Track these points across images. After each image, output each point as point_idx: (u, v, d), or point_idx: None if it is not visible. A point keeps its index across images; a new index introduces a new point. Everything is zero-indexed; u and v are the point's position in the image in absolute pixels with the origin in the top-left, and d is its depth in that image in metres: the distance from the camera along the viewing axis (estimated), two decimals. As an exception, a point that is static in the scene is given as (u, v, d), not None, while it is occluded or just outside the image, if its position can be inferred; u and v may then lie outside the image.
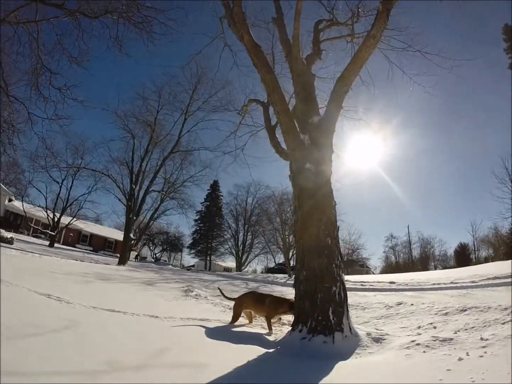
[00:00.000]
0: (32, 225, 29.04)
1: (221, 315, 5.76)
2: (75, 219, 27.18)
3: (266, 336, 4.24)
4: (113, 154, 22.41)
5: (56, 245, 24.48)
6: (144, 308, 5.29)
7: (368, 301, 7.33)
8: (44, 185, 26.11)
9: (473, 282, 10.79)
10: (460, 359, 2.77)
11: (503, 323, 3.75)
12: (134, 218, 20.17)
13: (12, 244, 15.92)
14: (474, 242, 42.59)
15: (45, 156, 22.88)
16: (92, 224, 33.97)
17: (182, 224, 67.56)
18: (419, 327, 4.27)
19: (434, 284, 11.49)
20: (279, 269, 28.14)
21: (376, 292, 10.01)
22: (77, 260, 15.55)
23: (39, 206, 26.14)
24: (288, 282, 14.67)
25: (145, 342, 3.41)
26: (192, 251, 45.75)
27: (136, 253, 37.26)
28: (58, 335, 3.07)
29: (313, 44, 6.70)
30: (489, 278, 11.37)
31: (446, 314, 4.97)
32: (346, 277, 18.21)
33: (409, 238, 45.86)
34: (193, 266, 43.62)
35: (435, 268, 41.88)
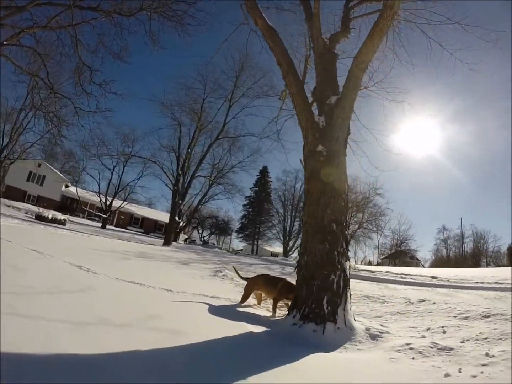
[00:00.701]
0: (87, 209, 32.07)
1: (238, 295, 5.90)
2: (126, 202, 29.35)
3: (268, 319, 4.24)
4: (162, 141, 23.83)
5: (108, 227, 26.67)
6: (164, 283, 5.60)
7: (393, 294, 6.94)
8: (97, 172, 28.56)
9: None
10: (447, 375, 2.50)
11: None
12: (180, 202, 21.30)
13: (65, 225, 17.76)
14: None
15: (97, 146, 25.17)
16: (144, 207, 36.62)
17: (232, 209, 69.85)
18: (428, 329, 3.98)
19: (477, 282, 10.56)
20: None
21: (409, 286, 9.41)
22: (123, 240, 16.74)
23: (93, 191, 28.47)
24: None
25: (142, 308, 3.69)
26: (240, 235, 47.29)
27: (186, 236, 39.55)
28: (71, 295, 3.58)
29: (341, 23, 6.30)
30: None
31: (465, 318, 4.55)
32: (390, 268, 17.39)
33: (462, 231, 43.18)
34: (241, 250, 44.91)
35: (487, 265, 39.06)
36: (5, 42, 10.31)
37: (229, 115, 21.93)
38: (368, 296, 6.56)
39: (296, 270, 4.12)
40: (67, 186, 34.78)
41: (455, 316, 4.69)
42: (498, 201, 59.64)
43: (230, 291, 6.25)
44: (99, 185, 28.51)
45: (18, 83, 14.72)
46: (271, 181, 46.03)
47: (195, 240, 41.88)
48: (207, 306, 4.42)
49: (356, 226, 25.21)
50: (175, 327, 3.12)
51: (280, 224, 42.41)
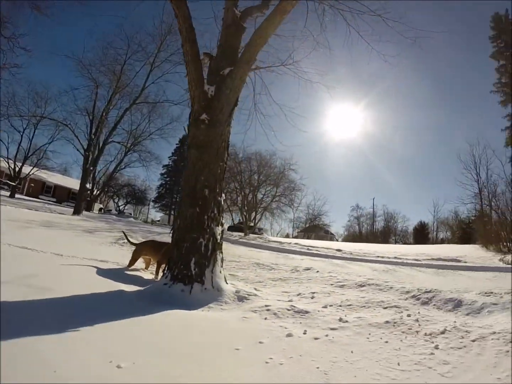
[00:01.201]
0: None
1: (128, 260, 5.90)
2: (36, 169, 26.26)
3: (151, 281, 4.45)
4: (78, 103, 21.23)
5: (18, 196, 23.75)
6: (59, 249, 5.47)
7: (286, 263, 7.63)
8: (5, 134, 24.79)
9: (416, 260, 11.29)
10: (289, 335, 2.66)
11: (385, 308, 3.76)
12: (92, 168, 19.64)
13: None
14: (434, 222, 45.02)
15: (7, 105, 21.36)
16: (56, 174, 32.94)
17: (151, 178, 67.04)
18: (298, 294, 4.36)
19: (377, 256, 11.98)
20: (239, 227, 28.85)
21: (308, 256, 10.49)
22: (31, 209, 15.20)
23: (0, 155, 24.92)
24: (239, 240, 15.11)
25: (22, 269, 3.82)
26: (157, 205, 45.92)
27: (101, 206, 36.93)
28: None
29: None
30: (432, 259, 11.97)
31: (341, 286, 5.05)
32: (300, 241, 18.78)
33: (374, 210, 48.24)
34: (158, 220, 43.81)
35: (396, 242, 44.06)
36: None
37: (149, 80, 20.36)
38: (259, 264, 7.06)
39: (171, 233, 4.28)
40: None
41: (332, 284, 5.21)
42: (409, 186, 68.63)
43: (123, 256, 6.17)
44: (7, 149, 25.02)
45: None
46: None
47: (110, 210, 39.37)
48: (92, 269, 4.45)
49: (269, 199, 26.59)
50: (45, 284, 3.28)
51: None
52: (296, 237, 40.88)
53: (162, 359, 2.05)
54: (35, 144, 26.40)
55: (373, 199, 55.74)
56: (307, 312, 3.30)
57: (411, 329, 2.98)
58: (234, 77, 4.76)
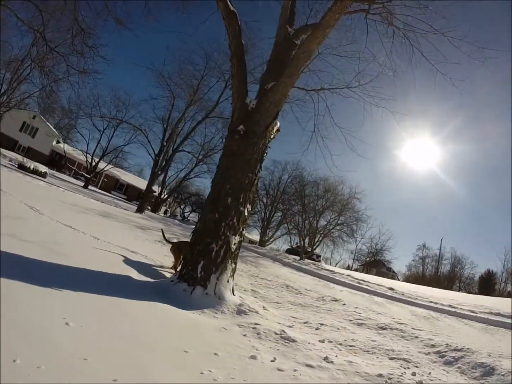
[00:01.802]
0: (74, 167, 32.40)
1: (159, 256, 6.13)
2: (111, 166, 29.48)
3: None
4: (157, 112, 23.79)
5: (91, 188, 26.79)
6: (100, 234, 5.94)
7: (321, 291, 7.27)
8: (87, 131, 28.48)
9: (471, 311, 9.65)
10: (252, 357, 2.45)
11: (392, 358, 3.21)
12: (159, 172, 21.40)
13: (45, 177, 17.91)
14: (503, 272, 39.51)
15: (91, 106, 25.02)
16: (129, 174, 36.75)
17: None
18: (305, 322, 4.09)
19: (430, 302, 10.68)
20: (296, 251, 28.22)
21: (352, 289, 9.74)
22: (97, 200, 16.78)
23: (81, 150, 28.61)
24: (291, 263, 14.66)
25: (53, 237, 4.40)
26: (223, 218, 47.22)
27: (166, 209, 39.72)
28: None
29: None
30: (490, 313, 10.24)
31: (359, 325, 4.63)
32: (354, 273, 17.51)
33: (440, 252, 43.14)
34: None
35: (459, 290, 39.30)
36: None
37: (223, 96, 21.72)
38: (289, 286, 6.84)
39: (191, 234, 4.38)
40: (58, 142, 34.48)
41: (350, 320, 4.79)
42: (482, 227, 60.44)
43: (157, 253, 6.49)
44: (87, 145, 28.48)
45: (26, 32, 14.74)
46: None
47: (176, 215, 41.98)
48: (117, 255, 4.78)
49: (331, 226, 25.51)
50: (64, 252, 3.79)
51: (260, 213, 42.49)
52: (356, 270, 38.59)
53: (107, 333, 2.18)
54: (113, 144, 29.65)
55: (441, 239, 49.94)
56: (294, 341, 3.02)
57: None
58: (276, 91, 4.78)
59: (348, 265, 46.14)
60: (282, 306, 4.95)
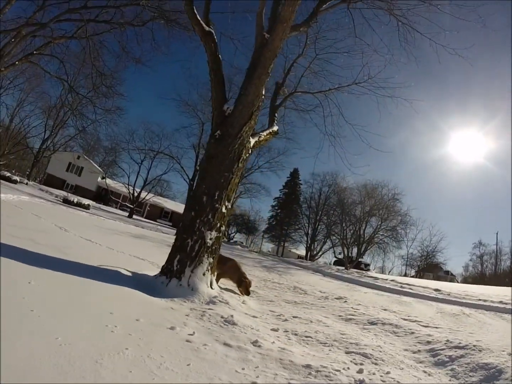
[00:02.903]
0: (120, 200, 35.43)
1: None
2: (151, 195, 31.94)
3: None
4: (192, 140, 25.62)
5: (136, 217, 28.85)
6: (121, 248, 6.48)
7: (336, 292, 7.09)
8: (127, 165, 31.69)
9: None
10: (171, 327, 2.56)
11: (349, 352, 2.89)
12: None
13: (88, 209, 19.86)
14: None
15: (128, 141, 27.93)
16: (174, 202, 38.98)
17: (263, 209, 71.19)
18: (279, 315, 3.97)
19: (479, 300, 9.56)
20: (342, 262, 27.04)
21: (378, 291, 9.18)
22: (137, 226, 17.92)
23: (123, 183, 31.56)
24: (333, 273, 14.22)
25: (65, 243, 5.15)
26: (267, 236, 47.48)
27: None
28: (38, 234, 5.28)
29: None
30: None
31: (347, 320, 4.39)
32: (398, 278, 16.38)
33: (497, 247, 38.96)
34: (269, 251, 45.24)
35: None
36: (34, 52, 12.43)
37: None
38: (296, 287, 6.82)
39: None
40: (103, 178, 37.98)
41: (339, 316, 4.59)
42: None
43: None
44: (128, 177, 31.34)
45: (56, 82, 17.23)
46: (301, 184, 45.63)
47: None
48: (120, 259, 5.35)
49: (376, 233, 24.19)
50: (67, 252, 4.47)
51: (305, 227, 41.80)
52: (413, 277, 35.67)
53: (59, 293, 2.70)
54: (152, 174, 32.16)
55: (497, 233, 44.52)
56: (235, 324, 2.99)
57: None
58: (247, 93, 5.04)
59: (405, 272, 42.91)
60: (273, 303, 4.90)
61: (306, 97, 11.57)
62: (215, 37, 5.71)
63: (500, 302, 8.92)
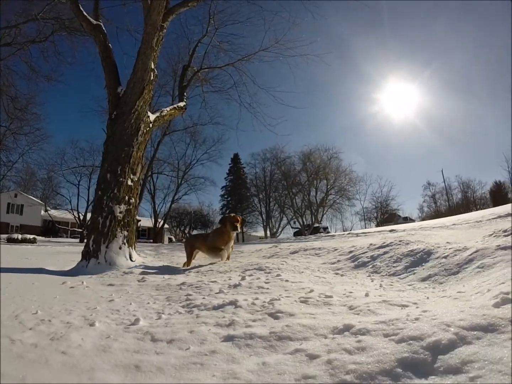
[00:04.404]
0: (69, 228, 33.68)
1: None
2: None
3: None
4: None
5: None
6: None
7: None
8: (67, 190, 30.03)
9: (478, 222, 9.31)
10: (63, 283, 2.82)
11: (248, 270, 3.13)
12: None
13: (35, 243, 18.94)
14: (511, 178, 38.52)
15: (60, 163, 26.71)
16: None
17: (214, 201, 71.40)
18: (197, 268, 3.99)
19: (432, 228, 10.44)
20: (301, 231, 28.18)
21: (323, 240, 9.83)
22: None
23: (65, 209, 30.13)
24: (290, 240, 14.60)
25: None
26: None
27: (169, 237, 40.43)
28: None
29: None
30: (499, 216, 9.64)
31: (270, 257, 4.84)
32: (357, 231, 16.87)
33: (445, 183, 42.95)
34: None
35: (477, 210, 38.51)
36: None
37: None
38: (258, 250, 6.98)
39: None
40: (46, 210, 35.32)
41: (264, 256, 5.07)
42: (478, 145, 59.66)
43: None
44: (70, 202, 30.47)
45: None
46: (244, 167, 45.06)
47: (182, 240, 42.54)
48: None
49: (322, 195, 25.63)
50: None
51: (258, 208, 42.40)
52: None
53: None
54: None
55: (442, 170, 48.46)
56: (144, 280, 3.04)
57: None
58: (136, 70, 5.12)
59: (365, 227, 45.79)
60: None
61: (224, 77, 11.88)
62: (103, 28, 5.79)
63: (453, 224, 9.85)
